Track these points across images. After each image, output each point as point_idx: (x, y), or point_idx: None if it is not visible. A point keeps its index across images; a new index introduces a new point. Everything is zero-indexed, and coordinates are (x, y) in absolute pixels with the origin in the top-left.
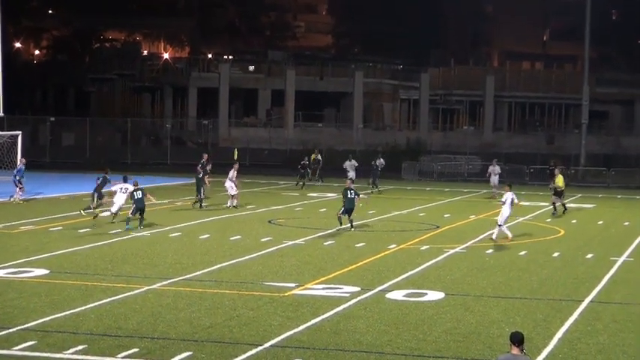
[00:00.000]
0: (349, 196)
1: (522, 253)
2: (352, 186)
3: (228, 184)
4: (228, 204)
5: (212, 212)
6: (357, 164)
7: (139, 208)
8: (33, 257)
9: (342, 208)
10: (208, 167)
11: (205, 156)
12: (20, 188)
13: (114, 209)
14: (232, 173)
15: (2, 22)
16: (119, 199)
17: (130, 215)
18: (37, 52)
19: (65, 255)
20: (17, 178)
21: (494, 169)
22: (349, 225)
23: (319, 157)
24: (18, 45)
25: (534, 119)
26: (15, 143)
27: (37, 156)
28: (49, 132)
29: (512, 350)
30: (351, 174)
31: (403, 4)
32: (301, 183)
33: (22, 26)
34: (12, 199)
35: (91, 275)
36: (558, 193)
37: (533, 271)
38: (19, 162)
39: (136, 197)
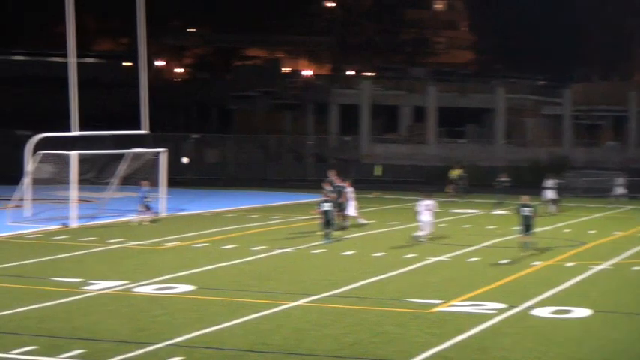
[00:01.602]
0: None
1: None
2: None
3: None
4: (363, 221)
5: (356, 229)
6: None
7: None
8: (178, 273)
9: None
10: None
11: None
12: (146, 209)
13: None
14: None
15: (145, 41)
16: (426, 218)
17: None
18: (179, 70)
19: (210, 271)
20: (144, 199)
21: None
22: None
23: (463, 173)
24: (160, 63)
25: None
26: (159, 160)
27: (181, 173)
28: (192, 149)
29: None
30: (550, 193)
31: (544, 20)
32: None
33: (164, 45)
34: (138, 220)
35: (236, 291)
36: None
37: None
38: (143, 184)
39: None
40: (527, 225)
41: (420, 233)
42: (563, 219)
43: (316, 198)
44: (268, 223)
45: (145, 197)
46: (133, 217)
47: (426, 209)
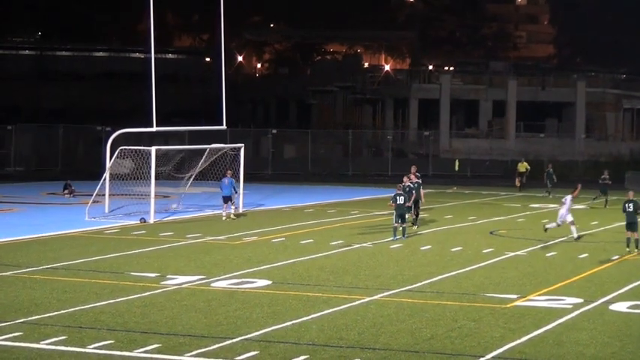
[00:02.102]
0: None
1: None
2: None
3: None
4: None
5: (434, 224)
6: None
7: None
8: (255, 268)
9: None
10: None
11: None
12: (231, 202)
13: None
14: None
15: (225, 36)
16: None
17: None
18: (259, 65)
19: (287, 266)
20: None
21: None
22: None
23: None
24: (240, 59)
25: None
26: (237, 156)
27: (259, 168)
28: (271, 144)
29: None
30: None
31: (627, 13)
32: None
33: (244, 40)
34: (229, 215)
35: (313, 286)
36: None
37: None
38: (228, 174)
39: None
40: (629, 222)
41: (551, 225)
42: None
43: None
44: (346, 218)
45: (233, 187)
46: (223, 212)
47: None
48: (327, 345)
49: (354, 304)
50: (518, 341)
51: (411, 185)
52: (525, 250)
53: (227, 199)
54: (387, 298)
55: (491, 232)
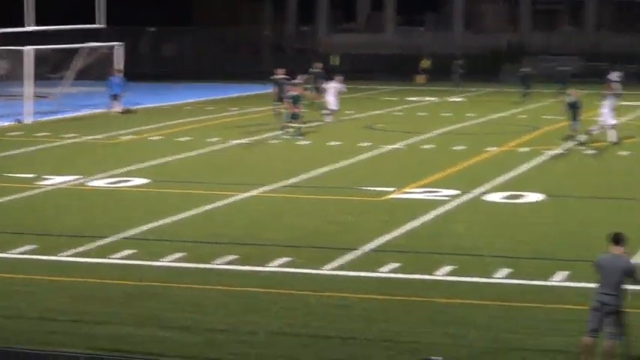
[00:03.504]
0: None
1: (624, 153)
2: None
3: (332, 98)
4: (329, 119)
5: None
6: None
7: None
8: (133, 167)
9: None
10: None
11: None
12: (116, 99)
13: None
14: (337, 86)
15: None
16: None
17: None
18: None
19: (165, 164)
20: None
21: (613, 75)
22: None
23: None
24: None
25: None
26: (114, 54)
27: (138, 67)
28: (150, 42)
29: (613, 250)
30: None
31: None
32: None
33: None
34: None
35: (191, 183)
36: None
37: (634, 171)
38: (116, 73)
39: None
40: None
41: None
42: (517, 105)
43: (270, 89)
44: (224, 115)
45: (120, 85)
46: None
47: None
48: (205, 242)
49: (232, 200)
50: (395, 233)
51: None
52: (402, 144)
53: (116, 97)
54: (265, 194)
55: (369, 126)
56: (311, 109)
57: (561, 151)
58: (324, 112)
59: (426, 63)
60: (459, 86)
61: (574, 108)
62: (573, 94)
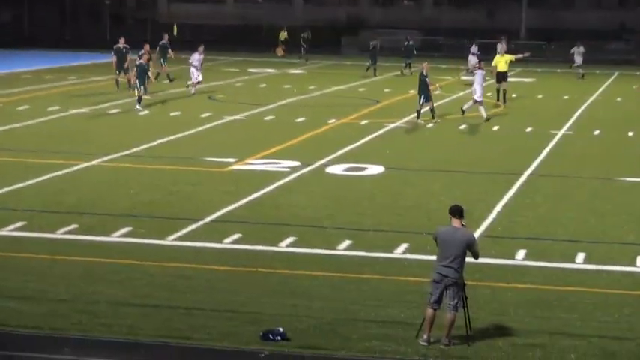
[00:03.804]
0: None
1: (462, 127)
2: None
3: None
4: (193, 91)
5: (152, 89)
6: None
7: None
8: None
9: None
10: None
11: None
12: None
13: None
14: (198, 57)
15: None
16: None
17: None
18: None
19: (3, 132)
20: None
21: (579, 50)
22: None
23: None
24: None
25: None
26: None
27: None
28: None
29: (453, 223)
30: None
31: None
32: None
33: None
34: None
35: (30, 152)
36: (501, 76)
37: (473, 145)
38: None
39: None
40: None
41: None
42: (357, 78)
43: (111, 58)
44: (64, 84)
45: None
46: None
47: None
48: (46, 211)
49: (72, 169)
50: (236, 205)
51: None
52: (243, 115)
53: None
54: (106, 164)
55: (209, 97)
56: (158, 79)
57: (401, 125)
58: (188, 83)
59: (283, 35)
60: (301, 59)
61: (424, 83)
62: (425, 67)
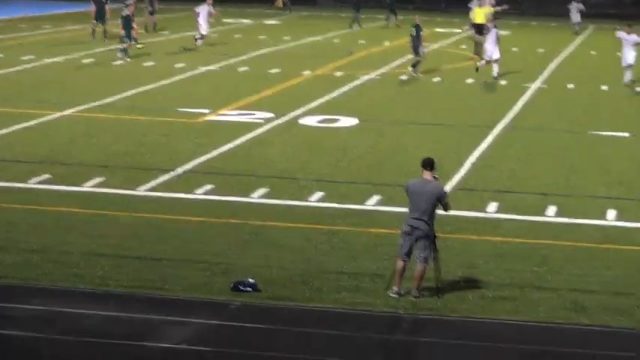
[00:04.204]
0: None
1: (437, 79)
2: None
3: (203, 21)
4: (199, 43)
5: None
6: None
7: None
8: None
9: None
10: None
11: None
12: None
13: None
14: (207, 9)
15: None
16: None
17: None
18: None
19: None
20: None
21: (578, 6)
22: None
23: None
24: None
25: None
26: None
27: None
28: None
29: (424, 175)
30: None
31: None
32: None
33: None
34: None
35: (3, 101)
36: (477, 29)
37: (446, 97)
38: None
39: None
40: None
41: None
42: (335, 29)
43: (88, 7)
44: (38, 33)
45: None
46: None
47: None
48: (18, 161)
49: (45, 119)
50: (209, 155)
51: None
52: (218, 65)
53: None
54: (79, 114)
55: (184, 48)
56: (148, 30)
57: (376, 76)
58: (196, 36)
59: None
60: (286, 9)
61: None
62: (417, 20)
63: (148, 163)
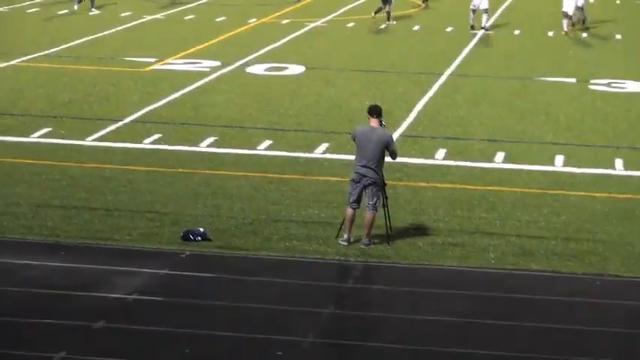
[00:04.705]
0: None
1: (383, 26)
2: None
3: None
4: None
5: None
6: None
7: None
8: None
9: None
10: None
11: None
12: None
13: None
14: None
15: None
16: None
17: None
18: None
19: None
20: None
21: None
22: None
23: None
24: None
25: None
26: None
27: None
28: None
29: (371, 122)
30: None
31: None
32: None
33: None
34: None
35: None
36: None
37: (393, 44)
38: None
39: None
40: None
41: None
42: None
43: None
44: None
45: None
46: None
47: None
48: None
49: None
50: (156, 104)
51: None
52: (163, 14)
53: None
54: (24, 64)
55: None
56: None
57: (323, 24)
58: None
59: None
60: None
61: None
62: None
63: (95, 113)
